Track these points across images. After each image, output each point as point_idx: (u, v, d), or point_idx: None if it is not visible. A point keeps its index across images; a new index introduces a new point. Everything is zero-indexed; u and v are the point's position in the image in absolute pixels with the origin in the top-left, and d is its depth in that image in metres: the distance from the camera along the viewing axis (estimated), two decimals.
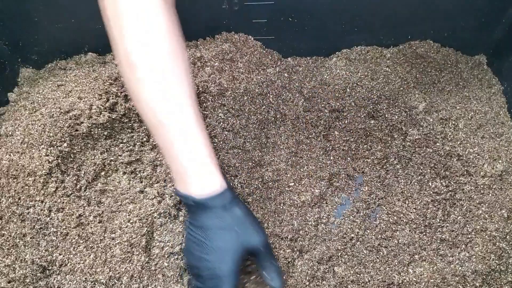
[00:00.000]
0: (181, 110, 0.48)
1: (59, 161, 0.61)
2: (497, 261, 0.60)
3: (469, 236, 0.63)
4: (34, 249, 0.57)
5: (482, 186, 0.66)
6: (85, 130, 0.62)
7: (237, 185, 0.65)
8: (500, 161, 0.68)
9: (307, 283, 0.60)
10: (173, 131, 0.48)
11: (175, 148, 0.48)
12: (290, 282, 0.61)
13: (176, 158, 0.49)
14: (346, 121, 0.73)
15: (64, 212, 0.60)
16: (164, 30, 0.47)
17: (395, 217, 0.66)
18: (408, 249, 0.63)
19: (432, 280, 0.60)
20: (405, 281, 0.60)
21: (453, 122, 0.72)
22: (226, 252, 0.49)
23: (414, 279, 0.60)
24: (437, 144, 0.70)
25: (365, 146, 0.72)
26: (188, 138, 0.49)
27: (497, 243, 0.61)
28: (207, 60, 0.71)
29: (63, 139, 0.61)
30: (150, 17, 0.46)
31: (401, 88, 0.76)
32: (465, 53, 0.82)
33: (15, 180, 0.60)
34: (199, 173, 0.49)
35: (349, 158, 0.71)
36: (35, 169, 0.59)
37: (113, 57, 0.76)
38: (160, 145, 0.51)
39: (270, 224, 0.64)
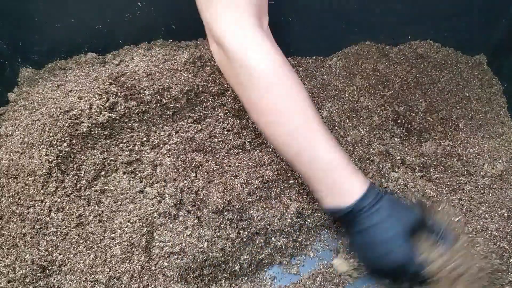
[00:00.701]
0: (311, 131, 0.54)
1: (59, 161, 0.61)
2: (498, 261, 0.60)
3: (470, 236, 0.63)
4: (34, 249, 0.57)
5: (482, 186, 0.66)
6: (85, 130, 0.62)
7: (238, 185, 0.65)
8: (500, 161, 0.68)
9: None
10: (309, 155, 0.53)
11: (320, 168, 0.53)
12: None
13: (320, 175, 0.54)
14: (346, 121, 0.73)
15: (64, 212, 0.60)
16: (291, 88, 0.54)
17: None
18: None
19: None
20: None
21: (453, 122, 0.72)
22: (393, 238, 0.52)
23: None
24: (438, 143, 0.70)
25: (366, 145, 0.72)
26: (326, 153, 0.53)
27: (498, 243, 0.61)
28: (207, 60, 0.71)
29: (63, 139, 0.61)
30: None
31: (401, 88, 0.76)
32: (465, 53, 0.82)
33: (15, 180, 0.60)
34: (345, 183, 0.54)
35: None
36: (35, 169, 0.59)
37: (113, 56, 0.76)
38: (304, 174, 0.56)
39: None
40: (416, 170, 0.69)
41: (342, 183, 0.54)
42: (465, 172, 0.68)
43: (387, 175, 0.68)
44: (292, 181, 0.67)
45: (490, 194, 0.66)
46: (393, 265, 0.52)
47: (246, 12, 0.53)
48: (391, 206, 0.54)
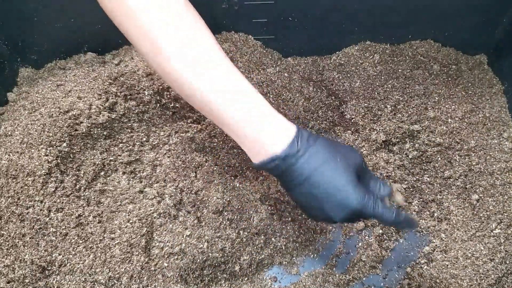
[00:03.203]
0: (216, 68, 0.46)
1: (59, 161, 0.61)
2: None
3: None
4: (33, 249, 0.57)
5: (484, 186, 0.66)
6: (84, 130, 0.62)
7: (238, 185, 0.65)
8: (501, 161, 0.68)
9: None
10: (224, 102, 0.46)
11: (235, 117, 0.46)
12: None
13: (240, 127, 0.46)
14: (347, 121, 0.73)
15: (63, 212, 0.60)
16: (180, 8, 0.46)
17: None
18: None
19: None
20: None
21: (454, 122, 0.72)
22: (342, 183, 0.45)
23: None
24: (438, 143, 0.70)
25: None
26: (242, 99, 0.46)
27: (502, 246, 0.61)
28: None
29: (62, 139, 0.61)
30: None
31: (402, 88, 0.75)
32: (465, 53, 0.82)
33: (14, 180, 0.60)
34: (273, 130, 0.46)
35: None
36: (35, 169, 0.59)
37: (113, 56, 0.75)
38: (220, 123, 0.48)
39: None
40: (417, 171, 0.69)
41: (266, 128, 0.46)
42: (467, 170, 0.68)
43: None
44: None
45: (491, 194, 0.66)
46: (348, 213, 0.46)
47: None
48: (329, 147, 0.47)
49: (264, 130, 0.46)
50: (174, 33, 0.45)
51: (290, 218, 0.64)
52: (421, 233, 0.66)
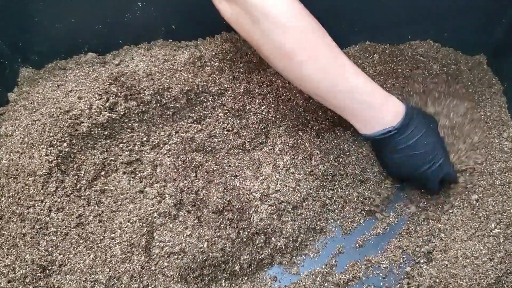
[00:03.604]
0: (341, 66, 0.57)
1: (59, 161, 0.61)
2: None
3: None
4: (34, 249, 0.57)
5: (483, 186, 0.66)
6: (85, 130, 0.62)
7: (238, 185, 0.65)
8: (500, 161, 0.68)
9: None
10: (345, 86, 0.57)
11: (358, 96, 0.58)
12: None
13: (360, 102, 0.58)
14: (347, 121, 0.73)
15: (64, 212, 0.60)
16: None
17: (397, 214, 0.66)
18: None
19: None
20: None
21: (454, 122, 0.72)
22: (438, 146, 0.62)
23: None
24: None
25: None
26: (356, 80, 0.57)
27: (501, 245, 0.61)
28: (207, 60, 0.71)
29: (63, 139, 0.61)
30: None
31: (401, 87, 0.76)
32: (465, 53, 0.82)
33: (15, 180, 0.60)
34: (386, 103, 0.59)
35: (349, 156, 0.71)
36: (35, 169, 0.59)
37: (113, 57, 0.75)
38: (340, 107, 0.60)
39: None
40: None
41: (383, 107, 0.59)
42: (466, 172, 0.68)
43: None
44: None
45: (491, 194, 0.66)
46: (438, 174, 0.62)
47: None
48: (424, 117, 0.63)
49: (382, 109, 0.59)
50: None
51: (290, 218, 0.64)
52: (421, 233, 0.66)
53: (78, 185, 0.62)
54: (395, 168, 0.65)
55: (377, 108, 0.59)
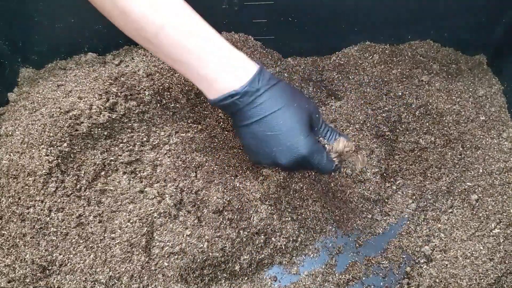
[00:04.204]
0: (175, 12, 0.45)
1: (59, 161, 0.61)
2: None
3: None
4: (34, 249, 0.57)
5: (483, 186, 0.67)
6: (85, 130, 0.62)
7: (238, 185, 0.65)
8: (500, 161, 0.68)
9: None
10: (180, 37, 0.45)
11: (193, 53, 0.46)
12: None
13: (201, 62, 0.46)
14: (345, 122, 0.73)
15: (64, 212, 0.60)
16: None
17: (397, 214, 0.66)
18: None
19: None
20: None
21: (454, 122, 0.72)
22: (296, 129, 0.47)
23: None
24: (438, 143, 0.70)
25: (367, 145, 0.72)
26: (199, 36, 0.46)
27: (501, 245, 0.61)
28: None
29: (63, 139, 0.61)
30: None
31: (402, 87, 0.76)
32: (465, 53, 0.82)
33: (15, 180, 0.60)
34: (232, 61, 0.46)
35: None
36: (35, 169, 0.59)
37: (113, 57, 0.76)
38: (173, 62, 0.48)
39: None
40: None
41: (229, 65, 0.46)
42: (466, 172, 0.68)
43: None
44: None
45: (491, 194, 0.66)
46: (296, 159, 0.47)
47: None
48: (288, 92, 0.48)
49: (223, 65, 0.46)
50: None
51: (290, 218, 0.64)
52: (420, 232, 0.66)
53: (78, 185, 0.62)
54: (251, 152, 0.53)
55: (217, 64, 0.46)
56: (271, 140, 0.47)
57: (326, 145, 0.51)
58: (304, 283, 0.62)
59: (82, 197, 0.62)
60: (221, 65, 0.46)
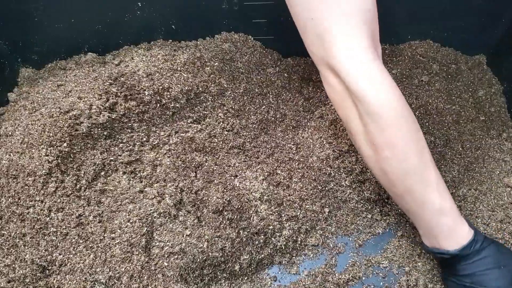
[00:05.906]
0: (423, 174, 0.53)
1: (59, 161, 0.61)
2: None
3: None
4: (34, 249, 0.57)
5: (483, 186, 0.67)
6: (85, 130, 0.62)
7: (238, 185, 0.65)
8: (500, 161, 0.68)
9: None
10: (420, 195, 0.53)
11: (429, 211, 0.53)
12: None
13: (429, 217, 0.53)
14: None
15: (64, 212, 0.60)
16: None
17: (397, 214, 0.66)
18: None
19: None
20: None
21: (454, 122, 0.72)
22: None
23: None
24: (438, 143, 0.70)
25: None
26: (434, 197, 0.53)
27: None
28: (207, 60, 0.71)
29: (63, 139, 0.61)
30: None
31: (401, 88, 0.76)
32: (465, 53, 0.82)
33: (15, 180, 0.60)
34: (452, 229, 0.54)
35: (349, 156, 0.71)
36: (35, 169, 0.59)
37: (113, 57, 0.76)
38: (409, 211, 0.56)
39: None
40: None
41: (449, 228, 0.54)
42: (466, 172, 0.68)
43: None
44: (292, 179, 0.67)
45: (491, 194, 0.66)
46: None
47: (364, 43, 0.51)
48: (498, 254, 0.54)
49: (450, 231, 0.54)
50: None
51: (290, 218, 0.64)
52: None
53: (78, 185, 0.62)
54: None
55: (445, 228, 0.54)
56: None
57: None
58: (304, 283, 0.62)
59: (82, 197, 0.62)
60: (447, 229, 0.54)
